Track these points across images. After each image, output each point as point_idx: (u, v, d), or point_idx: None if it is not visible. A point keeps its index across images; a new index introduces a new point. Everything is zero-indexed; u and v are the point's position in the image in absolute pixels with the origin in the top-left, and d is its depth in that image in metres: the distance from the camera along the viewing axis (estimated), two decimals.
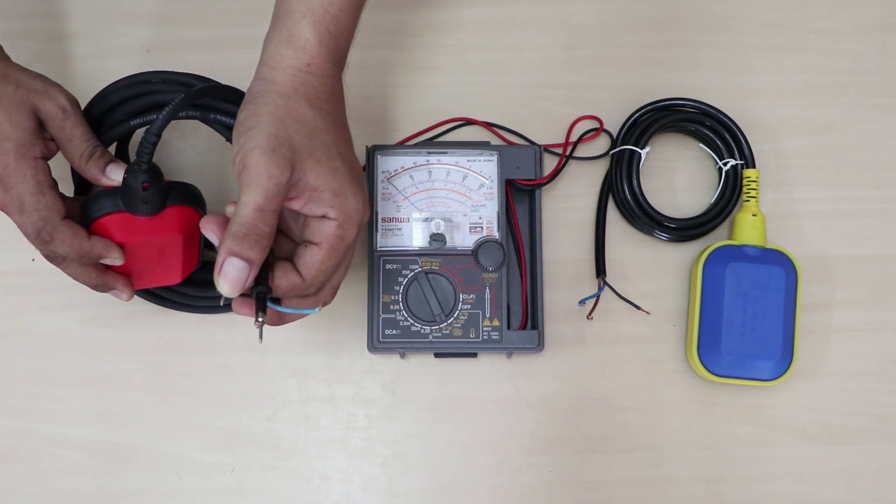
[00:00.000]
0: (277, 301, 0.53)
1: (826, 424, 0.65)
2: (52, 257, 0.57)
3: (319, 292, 0.55)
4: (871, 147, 0.69)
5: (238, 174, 0.50)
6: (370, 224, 0.63)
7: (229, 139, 0.60)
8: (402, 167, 0.65)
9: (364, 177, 0.55)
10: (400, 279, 0.63)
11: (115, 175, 0.58)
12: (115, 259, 0.57)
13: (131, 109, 0.60)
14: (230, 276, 0.49)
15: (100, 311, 0.66)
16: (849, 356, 0.66)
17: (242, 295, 0.51)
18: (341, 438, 0.65)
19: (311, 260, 0.52)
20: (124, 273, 0.59)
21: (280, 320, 0.54)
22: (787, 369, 0.63)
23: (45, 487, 0.64)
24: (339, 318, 0.66)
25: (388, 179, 0.64)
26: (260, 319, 0.51)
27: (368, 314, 0.63)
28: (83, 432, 0.65)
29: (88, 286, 0.58)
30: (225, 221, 0.52)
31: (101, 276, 0.58)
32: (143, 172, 0.54)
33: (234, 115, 0.56)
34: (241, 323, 0.66)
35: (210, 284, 0.63)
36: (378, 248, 0.63)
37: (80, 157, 0.57)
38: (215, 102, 0.60)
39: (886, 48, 0.71)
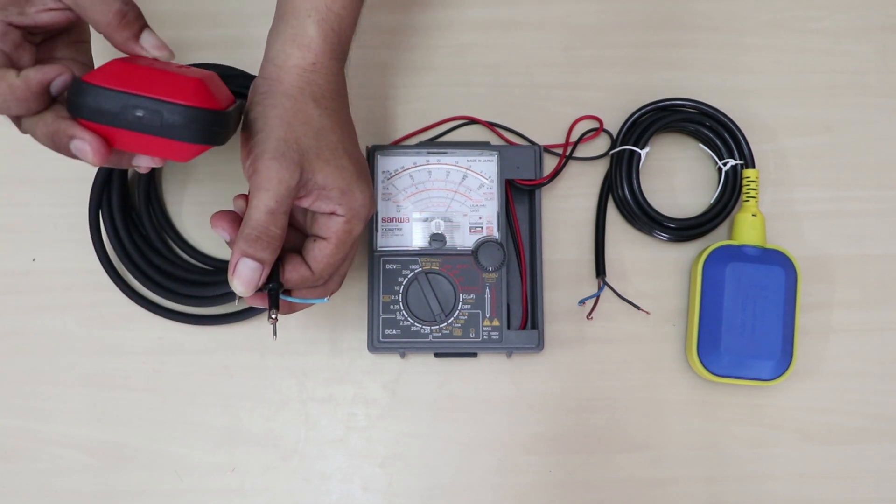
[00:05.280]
0: (288, 293, 0.55)
1: (826, 424, 0.65)
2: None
3: (327, 283, 0.56)
4: (871, 147, 0.69)
5: (249, 177, 0.51)
6: (370, 224, 0.63)
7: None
8: (402, 167, 0.65)
9: (368, 171, 0.57)
10: (400, 279, 0.63)
11: (148, 43, 0.51)
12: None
13: None
14: (244, 277, 0.51)
15: (100, 311, 0.66)
16: (849, 356, 0.66)
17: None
18: (341, 438, 0.65)
19: (321, 254, 0.54)
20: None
21: (290, 310, 0.56)
22: (786, 369, 0.63)
23: (45, 487, 0.64)
24: (339, 318, 0.66)
25: (388, 179, 0.64)
26: (273, 316, 0.52)
27: (368, 314, 0.63)
28: (83, 432, 0.64)
29: (41, 133, 0.48)
30: (234, 217, 0.53)
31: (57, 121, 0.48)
32: None
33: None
34: (241, 323, 0.66)
35: (204, 299, 0.64)
36: (378, 248, 0.63)
37: (114, 15, 0.50)
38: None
39: (886, 48, 0.71)
